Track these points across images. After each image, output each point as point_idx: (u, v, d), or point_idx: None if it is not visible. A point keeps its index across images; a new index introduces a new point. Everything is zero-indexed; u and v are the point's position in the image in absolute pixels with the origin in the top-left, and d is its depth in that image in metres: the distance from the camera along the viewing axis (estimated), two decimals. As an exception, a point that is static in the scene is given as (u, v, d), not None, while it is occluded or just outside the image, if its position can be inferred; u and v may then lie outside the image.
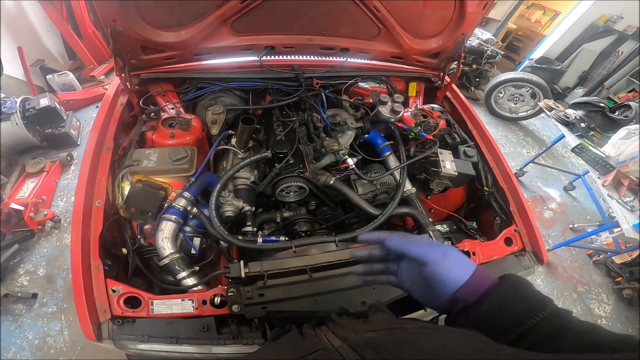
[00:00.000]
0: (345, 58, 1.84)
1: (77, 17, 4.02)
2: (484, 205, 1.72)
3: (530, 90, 4.33)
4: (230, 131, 1.58)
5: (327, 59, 1.88)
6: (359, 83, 1.93)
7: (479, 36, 4.79)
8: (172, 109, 1.66)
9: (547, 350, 0.51)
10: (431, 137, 1.68)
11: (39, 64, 3.78)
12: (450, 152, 1.66)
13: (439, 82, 2.04)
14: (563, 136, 3.18)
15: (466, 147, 1.73)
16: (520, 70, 5.09)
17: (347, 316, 0.71)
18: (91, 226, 1.25)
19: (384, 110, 1.73)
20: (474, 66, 4.78)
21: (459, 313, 0.60)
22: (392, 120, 1.75)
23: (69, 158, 3.24)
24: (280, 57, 1.86)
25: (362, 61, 1.91)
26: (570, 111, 3.31)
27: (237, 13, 1.54)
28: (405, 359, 0.48)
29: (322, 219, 1.62)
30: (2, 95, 3.16)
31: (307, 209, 1.60)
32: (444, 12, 1.64)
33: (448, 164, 1.59)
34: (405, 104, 1.92)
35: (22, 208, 2.67)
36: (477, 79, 4.98)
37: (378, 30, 1.66)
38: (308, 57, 1.87)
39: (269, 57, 1.81)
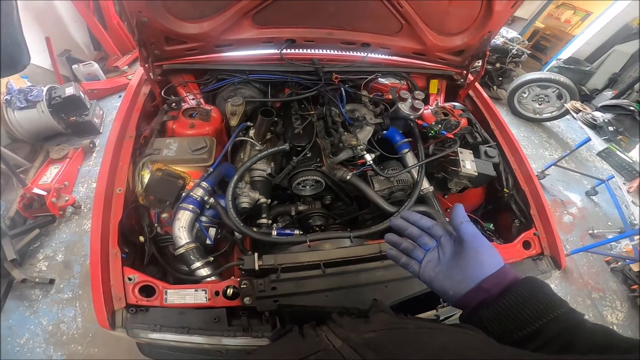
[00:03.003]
0: (365, 53, 1.82)
1: (102, 9, 4.12)
2: (502, 207, 1.68)
3: (557, 91, 4.18)
4: (248, 123, 1.59)
5: (348, 53, 1.86)
6: (379, 79, 1.90)
7: (504, 35, 4.65)
8: (193, 99, 1.68)
9: (560, 348, 0.52)
10: (451, 136, 1.64)
11: (65, 54, 3.90)
12: (471, 151, 1.62)
13: (462, 80, 1.99)
14: (589, 139, 3.06)
15: (487, 147, 1.69)
16: (547, 70, 4.92)
17: (348, 316, 0.70)
18: (111, 213, 1.27)
19: (404, 107, 1.70)
20: (498, 65, 4.64)
21: (476, 307, 0.60)
22: (412, 117, 1.72)
23: (91, 145, 3.34)
24: (301, 50, 1.85)
25: (383, 57, 1.88)
26: (597, 114, 3.18)
27: (259, 5, 1.54)
28: (406, 359, 0.48)
29: (337, 214, 1.62)
30: (29, 83, 3.28)
31: (322, 204, 1.60)
32: (469, 9, 1.60)
33: (468, 163, 1.55)
34: (426, 101, 1.88)
35: (44, 193, 2.74)
36: (500, 78, 4.84)
37: (400, 26, 1.63)
38: (328, 51, 1.86)
39: (289, 50, 1.81)
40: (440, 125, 1.71)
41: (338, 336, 0.58)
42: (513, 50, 4.48)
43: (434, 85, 1.97)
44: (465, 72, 1.95)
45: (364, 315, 0.69)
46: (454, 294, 0.63)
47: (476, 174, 1.53)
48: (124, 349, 2.21)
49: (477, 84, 1.98)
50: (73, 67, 3.92)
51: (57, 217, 2.85)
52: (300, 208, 1.54)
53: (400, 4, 1.48)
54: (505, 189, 1.64)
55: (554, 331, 0.53)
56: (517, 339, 0.55)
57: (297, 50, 1.84)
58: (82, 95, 3.32)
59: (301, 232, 1.41)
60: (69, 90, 3.16)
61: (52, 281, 2.57)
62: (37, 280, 2.52)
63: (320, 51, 1.86)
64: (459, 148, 1.58)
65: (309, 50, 1.84)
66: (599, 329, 0.53)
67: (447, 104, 1.90)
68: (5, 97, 3.01)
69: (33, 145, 3.34)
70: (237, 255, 1.55)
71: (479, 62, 1.88)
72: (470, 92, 2.02)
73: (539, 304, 0.56)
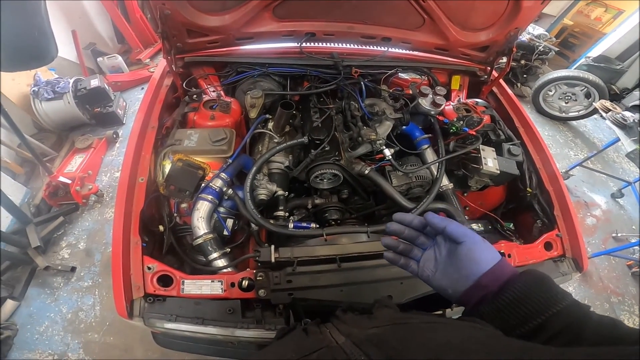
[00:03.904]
0: (386, 48, 1.79)
1: (126, 3, 4.21)
2: (524, 206, 1.63)
3: (585, 89, 4.01)
4: (267, 115, 1.60)
5: (368, 47, 1.84)
6: (399, 73, 1.87)
7: (530, 31, 4.48)
8: (213, 91, 1.70)
9: (566, 342, 0.50)
10: (474, 133, 1.60)
11: (90, 47, 4.01)
12: (494, 149, 1.57)
13: (485, 76, 1.93)
14: (617, 140, 2.93)
15: (511, 145, 1.64)
16: (575, 68, 4.73)
17: (352, 312, 0.69)
18: (133, 202, 1.29)
19: (425, 103, 1.67)
20: (523, 62, 4.49)
21: (477, 303, 0.60)
22: (433, 113, 1.69)
23: (114, 136, 3.43)
24: (320, 44, 1.85)
25: (403, 51, 1.85)
26: (628, 113, 3.04)
27: (276, -1, 1.54)
28: (409, 355, 0.47)
29: (353, 209, 1.61)
30: (56, 75, 3.39)
31: (339, 198, 1.59)
32: (496, 5, 1.55)
33: (490, 161, 1.51)
34: (447, 97, 1.84)
35: (69, 181, 2.81)
36: (525, 75, 4.68)
37: (422, 20, 1.59)
38: (348, 45, 1.84)
39: (308, 44, 1.80)
40: (462, 122, 1.67)
41: (341, 333, 0.57)
42: (539, 47, 4.31)
43: (456, 81, 1.92)
44: (489, 68, 1.89)
45: (368, 312, 0.68)
46: (453, 292, 0.63)
47: (498, 172, 1.49)
48: (139, 338, 2.28)
49: (501, 81, 1.92)
50: (98, 59, 4.04)
51: (80, 206, 2.94)
52: (317, 201, 1.54)
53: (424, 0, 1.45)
54: (528, 189, 1.59)
55: (559, 325, 0.52)
56: (520, 334, 0.54)
57: (316, 44, 1.84)
58: (107, 87, 3.41)
59: (317, 226, 1.41)
60: (94, 82, 3.26)
61: (73, 269, 2.62)
62: (59, 267, 2.58)
63: (340, 45, 1.84)
64: (481, 145, 1.55)
65: (328, 44, 1.83)
66: (607, 321, 0.52)
67: (469, 101, 1.85)
68: (33, 88, 3.13)
69: (59, 135, 3.46)
70: (252, 247, 1.57)
71: (503, 59, 1.82)
72: (494, 89, 1.96)
73: (540, 299, 0.55)
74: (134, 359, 2.23)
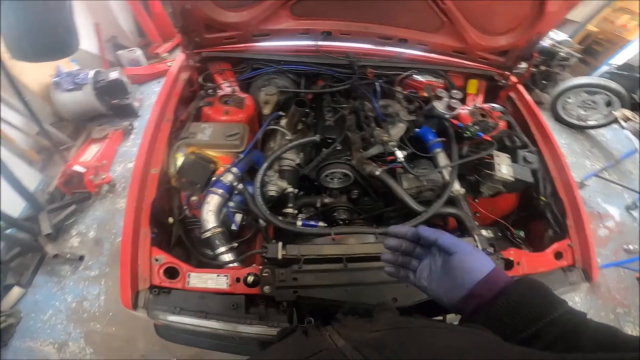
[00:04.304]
0: (402, 49, 1.77)
1: (148, -3, 4.29)
2: (536, 215, 1.60)
3: (606, 97, 3.90)
4: (280, 112, 1.60)
5: (383, 48, 1.82)
6: (414, 75, 1.85)
7: (552, 37, 4.38)
8: (228, 87, 1.71)
9: (563, 350, 0.50)
10: (488, 138, 1.58)
11: (112, 40, 4.11)
12: (509, 156, 1.55)
13: (503, 81, 1.90)
14: (635, 151, 2.84)
15: (527, 152, 1.61)
16: (597, 76, 4.60)
17: (353, 315, 0.69)
18: (145, 193, 1.30)
19: (439, 106, 1.65)
20: (543, 67, 4.38)
21: (472, 312, 0.60)
22: (447, 116, 1.67)
23: (130, 127, 3.50)
24: (336, 43, 1.84)
25: (420, 53, 1.83)
26: (649, 124, 2.95)
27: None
28: (409, 359, 0.47)
29: (362, 209, 1.60)
30: (77, 67, 3.47)
31: (348, 197, 1.59)
32: (518, 8, 1.52)
33: (504, 168, 1.49)
34: (463, 101, 1.81)
35: (83, 170, 2.86)
36: (544, 82, 4.56)
37: (441, 22, 1.58)
38: (364, 45, 1.83)
39: (324, 43, 1.80)
40: (477, 127, 1.65)
41: (342, 336, 0.57)
42: (561, 54, 4.21)
43: (472, 85, 1.89)
44: (508, 73, 1.86)
45: (368, 315, 0.68)
46: (448, 301, 0.64)
47: (512, 179, 1.47)
48: (141, 329, 2.27)
49: (519, 86, 1.89)
50: (118, 52, 4.12)
51: (93, 195, 2.97)
52: (326, 200, 1.53)
53: (443, 1, 1.43)
54: (542, 197, 1.56)
55: (554, 333, 0.52)
56: (515, 343, 0.52)
57: (332, 43, 1.83)
58: (125, 79, 3.48)
59: (325, 225, 1.41)
60: (114, 75, 3.33)
61: (81, 258, 2.62)
62: (68, 256, 2.58)
63: (356, 45, 1.84)
64: (495, 151, 1.52)
65: (344, 44, 1.83)
66: (604, 328, 0.52)
67: (485, 105, 1.82)
68: (55, 79, 3.21)
69: (76, 124, 3.54)
70: (259, 244, 1.57)
71: (523, 64, 1.79)
72: (512, 94, 1.92)
73: (535, 307, 0.55)
74: (135, 350, 2.23)
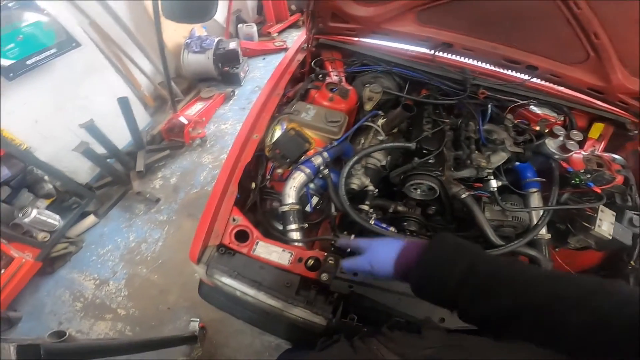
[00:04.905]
0: (528, 77, 1.64)
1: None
2: (617, 277, 1.42)
3: None
4: (380, 112, 1.62)
5: (505, 71, 1.71)
6: (532, 106, 1.71)
7: None
8: (336, 76, 1.77)
9: (485, 292, 0.57)
10: (599, 191, 1.40)
11: (237, 13, 4.53)
12: (614, 213, 1.38)
13: (635, 132, 1.65)
14: None
15: (635, 214, 1.40)
16: None
17: (399, 330, 0.68)
18: (243, 155, 1.41)
19: (551, 144, 1.51)
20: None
21: (406, 280, 0.71)
22: (557, 157, 1.51)
23: (231, 93, 3.85)
24: (453, 56, 1.78)
25: (546, 83, 1.68)
26: None
27: (429, 3, 1.53)
28: None
29: (432, 227, 1.55)
30: (205, 33, 3.90)
31: (423, 211, 1.54)
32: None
33: (605, 224, 1.33)
34: (581, 144, 1.62)
35: (186, 122, 3.23)
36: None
37: (586, 56, 1.41)
38: (483, 64, 1.74)
39: (441, 54, 1.76)
40: (589, 175, 1.47)
41: (392, 351, 0.57)
42: None
43: (597, 129, 1.67)
44: (644, 123, 1.61)
45: (415, 330, 0.68)
46: (393, 278, 0.76)
47: (610, 237, 1.32)
48: (180, 284, 2.39)
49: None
50: (238, 25, 4.53)
51: (185, 145, 3.33)
52: (400, 208, 1.51)
53: (597, 35, 1.28)
54: (632, 262, 1.39)
55: (480, 278, 0.59)
56: (448, 300, 0.62)
57: (449, 55, 1.78)
58: (239, 51, 3.82)
59: (395, 231, 1.40)
60: (232, 45, 3.68)
61: (158, 200, 2.88)
62: (147, 195, 2.86)
63: (474, 62, 1.75)
64: (601, 206, 1.36)
65: (462, 59, 1.76)
66: (521, 276, 0.58)
67: (605, 154, 1.61)
68: (187, 40, 3.66)
69: (190, 82, 4.01)
70: (321, 231, 1.61)
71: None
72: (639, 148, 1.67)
73: (446, 255, 0.65)
74: (165, 301, 2.35)
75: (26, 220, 2.20)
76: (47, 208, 2.45)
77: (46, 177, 2.42)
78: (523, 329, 0.53)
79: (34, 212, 2.23)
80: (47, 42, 2.25)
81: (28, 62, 2.15)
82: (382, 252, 0.78)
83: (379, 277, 0.80)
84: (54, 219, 2.38)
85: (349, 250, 1.11)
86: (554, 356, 0.46)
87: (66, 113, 2.60)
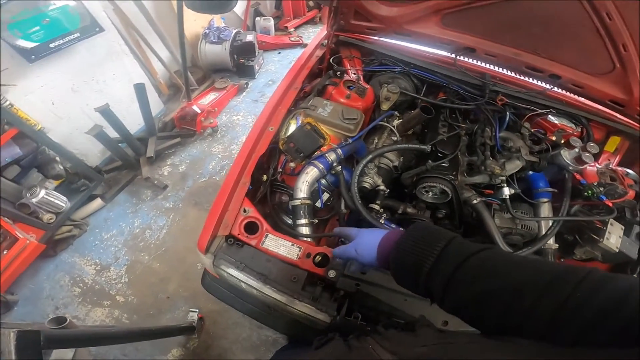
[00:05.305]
0: (551, 86, 1.62)
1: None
2: None
3: None
4: (396, 112, 1.61)
5: (526, 79, 1.69)
6: (550, 116, 1.69)
7: None
8: (354, 74, 1.77)
9: (456, 279, 0.59)
10: (610, 204, 1.39)
11: (255, 6, 4.53)
12: (623, 227, 1.38)
13: (652, 146, 1.63)
14: None
15: None
16: None
17: (394, 329, 0.68)
18: (257, 147, 1.41)
19: (566, 155, 1.50)
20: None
21: (387, 266, 0.75)
22: (571, 168, 1.50)
23: (245, 86, 3.86)
24: (474, 61, 1.77)
25: (566, 93, 1.66)
26: None
27: (455, 7, 1.52)
28: None
29: (440, 230, 1.54)
30: (224, 25, 3.92)
31: (432, 214, 1.54)
32: None
33: (613, 238, 1.34)
34: (597, 157, 1.61)
35: (199, 111, 3.25)
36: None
37: (612, 68, 1.40)
38: (505, 71, 1.72)
39: (462, 58, 1.75)
40: (602, 189, 1.46)
41: (386, 349, 0.57)
42: None
43: (614, 142, 1.65)
44: (662, 140, 1.59)
45: (409, 329, 0.68)
46: (376, 265, 0.80)
47: (616, 250, 1.33)
48: (181, 273, 2.37)
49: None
50: (256, 19, 4.54)
51: (196, 134, 3.34)
52: (409, 210, 1.51)
53: (625, 46, 1.26)
54: (635, 275, 1.38)
55: (447, 266, 0.60)
56: (423, 285, 0.64)
57: (470, 60, 1.77)
58: (256, 44, 3.82)
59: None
60: (249, 37, 3.69)
61: (165, 187, 2.88)
62: (155, 182, 2.86)
63: (495, 68, 1.74)
64: (611, 219, 1.36)
65: (483, 64, 1.74)
66: (490, 260, 0.59)
67: (619, 168, 1.59)
68: (205, 30, 3.68)
69: (205, 72, 4.02)
70: (329, 228, 1.61)
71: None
72: (654, 164, 1.65)
73: (422, 241, 0.66)
74: (165, 290, 2.33)
75: (34, 200, 2.18)
76: (56, 189, 2.45)
77: (57, 158, 2.43)
78: (495, 316, 0.53)
79: (42, 193, 2.22)
80: (72, 26, 2.27)
81: (51, 45, 2.17)
82: (367, 239, 0.83)
83: (364, 263, 0.84)
84: (62, 201, 2.38)
85: (341, 239, 1.14)
86: (548, 355, 0.45)
87: (83, 96, 2.63)
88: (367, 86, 1.69)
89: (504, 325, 0.52)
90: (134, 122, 3.06)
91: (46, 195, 2.25)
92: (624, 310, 0.42)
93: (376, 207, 1.44)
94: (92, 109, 2.51)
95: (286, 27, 4.85)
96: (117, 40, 2.80)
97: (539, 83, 1.66)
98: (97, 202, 2.74)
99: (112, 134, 2.72)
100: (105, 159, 3.00)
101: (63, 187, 2.55)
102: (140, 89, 2.67)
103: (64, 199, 2.41)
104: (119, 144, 2.84)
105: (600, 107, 1.60)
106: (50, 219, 2.32)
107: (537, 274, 0.52)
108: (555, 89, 1.63)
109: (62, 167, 2.44)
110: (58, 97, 2.47)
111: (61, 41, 2.22)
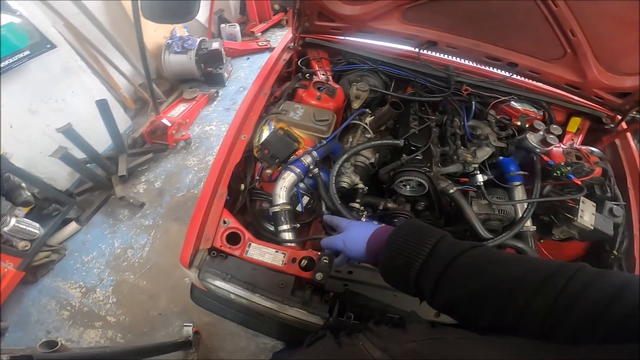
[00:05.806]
0: (509, 73, 1.69)
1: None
2: (601, 267, 1.45)
3: None
4: (367, 110, 1.63)
5: (487, 69, 1.76)
6: (512, 102, 1.76)
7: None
8: (323, 75, 1.78)
9: (447, 277, 0.59)
10: (579, 183, 1.46)
11: (219, 13, 4.47)
12: (595, 204, 1.44)
13: (612, 125, 1.73)
14: None
15: (615, 204, 1.47)
16: None
17: (385, 325, 0.68)
18: (231, 156, 1.39)
19: (532, 139, 1.56)
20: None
21: (376, 261, 0.74)
22: (538, 151, 1.57)
23: (215, 94, 3.79)
24: (437, 54, 1.81)
25: (525, 80, 1.73)
26: None
27: (414, 2, 1.55)
28: None
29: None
30: (187, 34, 3.83)
31: (412, 207, 1.57)
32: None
33: (587, 215, 1.39)
34: (560, 138, 1.69)
35: (169, 124, 3.14)
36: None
37: (563, 53, 1.47)
38: (466, 61, 1.78)
39: (426, 52, 1.79)
40: (569, 168, 1.53)
41: (376, 346, 0.57)
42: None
43: (574, 123, 1.74)
44: (619, 117, 1.69)
45: (400, 325, 0.67)
46: (364, 259, 0.79)
47: (592, 228, 1.37)
48: (169, 288, 2.33)
49: (628, 134, 1.71)
50: (221, 25, 4.47)
51: (169, 148, 3.25)
52: (389, 205, 1.53)
53: (574, 32, 1.33)
54: (614, 251, 1.43)
55: (437, 264, 0.60)
56: (413, 283, 0.63)
57: (433, 53, 1.81)
58: (223, 51, 3.77)
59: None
60: (215, 45, 3.63)
61: (142, 205, 2.79)
62: (131, 200, 2.77)
63: (457, 60, 1.79)
64: (582, 197, 1.42)
65: (446, 56, 1.79)
66: (479, 259, 0.59)
67: (583, 147, 1.68)
68: (168, 41, 3.59)
69: (172, 84, 3.92)
70: (312, 230, 1.61)
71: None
72: (617, 141, 1.75)
73: (412, 238, 0.66)
74: (156, 307, 2.29)
75: (5, 229, 2.12)
76: (27, 216, 2.36)
77: (23, 184, 2.31)
78: (489, 315, 0.53)
79: (13, 221, 2.15)
80: (20, 44, 2.16)
81: (1, 65, 2.06)
82: (357, 232, 0.81)
83: (352, 257, 0.83)
84: (34, 227, 2.30)
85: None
86: (541, 352, 0.45)
87: (42, 117, 2.51)
88: (337, 86, 1.70)
89: (499, 324, 0.52)
90: (101, 141, 2.94)
91: (17, 223, 2.18)
92: (617, 306, 0.41)
93: (356, 205, 1.45)
94: (54, 130, 2.39)
95: (253, 32, 4.81)
96: (71, 56, 2.68)
97: (499, 72, 1.73)
98: (73, 226, 2.64)
99: (79, 154, 2.60)
100: (75, 181, 2.87)
101: (34, 213, 2.46)
102: (103, 105, 2.57)
103: (37, 225, 2.33)
104: (87, 165, 2.73)
105: (558, 90, 1.68)
106: (25, 246, 2.27)
107: (530, 272, 0.52)
108: (515, 76, 1.70)
109: (29, 194, 2.32)
110: (15, 119, 2.34)
111: (10, 60, 2.12)
